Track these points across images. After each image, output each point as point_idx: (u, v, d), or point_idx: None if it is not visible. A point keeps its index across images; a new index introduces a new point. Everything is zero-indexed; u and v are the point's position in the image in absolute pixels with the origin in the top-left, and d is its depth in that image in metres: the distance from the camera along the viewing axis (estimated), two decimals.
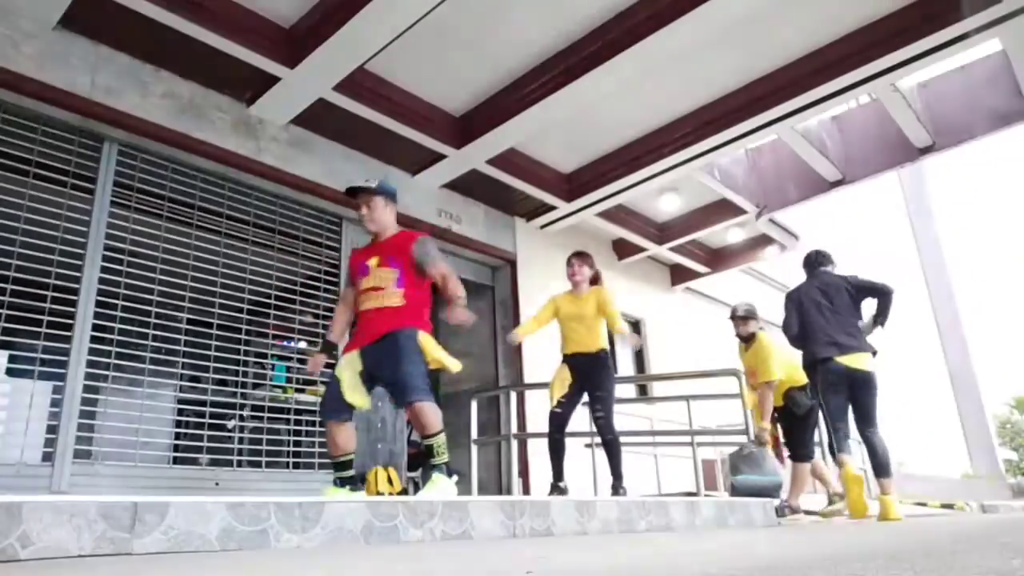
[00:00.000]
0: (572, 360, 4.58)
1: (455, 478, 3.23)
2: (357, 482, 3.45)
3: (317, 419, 5.15)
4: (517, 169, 6.43)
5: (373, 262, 3.44)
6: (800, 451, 5.14)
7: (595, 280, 4.71)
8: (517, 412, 6.74)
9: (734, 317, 5.27)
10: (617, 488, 4.38)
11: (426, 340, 3.30)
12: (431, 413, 3.19)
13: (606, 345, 4.53)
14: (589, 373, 4.49)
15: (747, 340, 5.21)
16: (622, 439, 5.39)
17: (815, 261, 4.77)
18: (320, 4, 4.44)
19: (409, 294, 3.34)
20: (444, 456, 3.20)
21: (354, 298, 3.55)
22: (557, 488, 4.53)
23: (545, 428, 4.71)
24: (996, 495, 16.50)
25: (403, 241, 3.46)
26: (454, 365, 3.32)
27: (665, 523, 3.46)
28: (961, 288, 25.00)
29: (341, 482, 3.36)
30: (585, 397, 4.59)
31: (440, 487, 3.10)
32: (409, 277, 3.38)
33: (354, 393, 3.32)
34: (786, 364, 4.99)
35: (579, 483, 5.28)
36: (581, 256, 4.70)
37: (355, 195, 3.55)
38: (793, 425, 5.16)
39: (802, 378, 4.83)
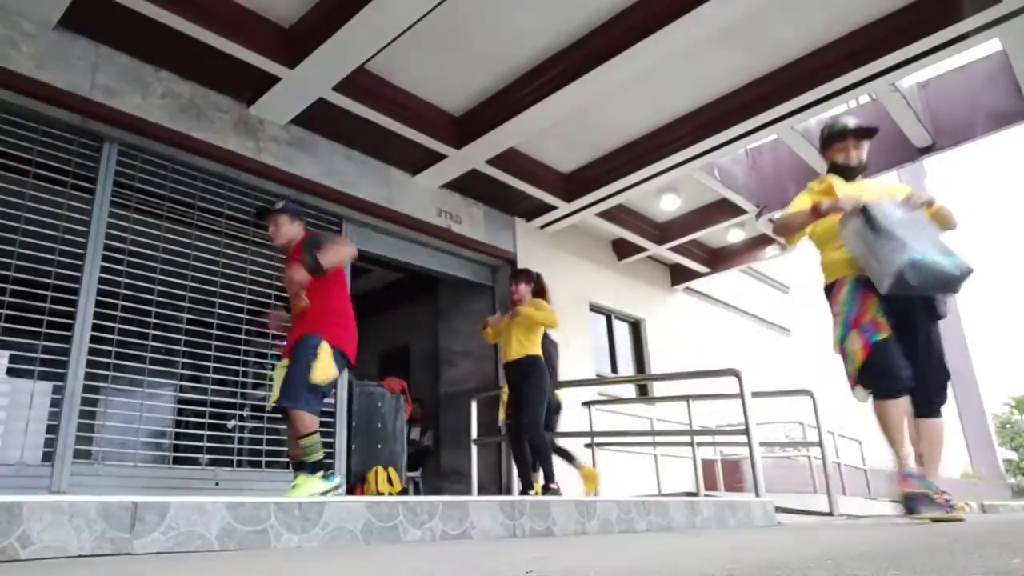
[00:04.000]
0: (506, 370, 4.85)
1: (336, 478, 3.29)
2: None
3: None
4: (517, 169, 6.43)
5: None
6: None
7: (539, 293, 4.90)
8: None
9: (844, 134, 3.31)
10: (547, 487, 4.55)
11: (323, 351, 3.33)
12: (299, 419, 3.27)
13: (533, 351, 4.69)
14: (517, 381, 4.73)
15: (856, 170, 3.36)
16: (622, 439, 5.40)
17: None
18: (320, 4, 4.44)
19: (312, 295, 3.43)
20: (314, 456, 3.28)
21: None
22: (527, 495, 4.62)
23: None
24: (996, 495, 16.50)
25: (298, 245, 3.57)
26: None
27: (665, 523, 3.46)
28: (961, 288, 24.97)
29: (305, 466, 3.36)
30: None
31: (303, 488, 3.14)
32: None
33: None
34: None
35: (578, 483, 5.28)
36: (516, 276, 4.96)
37: (263, 218, 3.74)
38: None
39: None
